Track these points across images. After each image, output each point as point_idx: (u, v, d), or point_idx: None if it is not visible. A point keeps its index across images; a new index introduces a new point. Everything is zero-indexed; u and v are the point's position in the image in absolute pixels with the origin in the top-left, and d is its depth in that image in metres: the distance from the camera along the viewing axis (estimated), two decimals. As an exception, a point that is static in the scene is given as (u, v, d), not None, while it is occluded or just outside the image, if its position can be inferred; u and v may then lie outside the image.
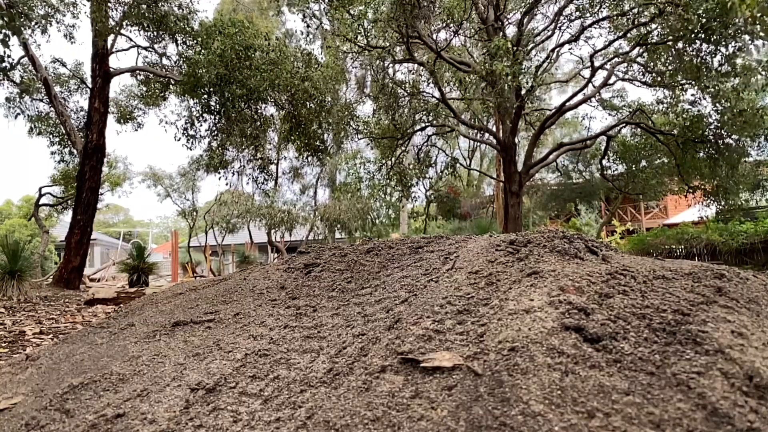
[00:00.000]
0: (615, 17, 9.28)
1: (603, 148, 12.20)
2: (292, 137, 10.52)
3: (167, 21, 8.84)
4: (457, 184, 22.98)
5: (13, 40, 7.43)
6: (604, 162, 12.34)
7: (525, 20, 9.66)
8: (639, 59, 10.16)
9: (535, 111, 13.49)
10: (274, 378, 0.96)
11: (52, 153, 12.44)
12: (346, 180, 20.65)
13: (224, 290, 1.79)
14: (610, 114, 12.17)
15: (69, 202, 13.96)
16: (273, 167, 13.87)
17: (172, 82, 10.45)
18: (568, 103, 10.48)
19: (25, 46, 8.63)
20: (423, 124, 12.20)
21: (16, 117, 11.38)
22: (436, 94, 11.24)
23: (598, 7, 9.27)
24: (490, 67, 7.68)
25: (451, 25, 10.54)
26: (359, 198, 17.51)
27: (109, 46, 9.30)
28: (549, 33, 11.04)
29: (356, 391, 0.79)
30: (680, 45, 8.35)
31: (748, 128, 8.78)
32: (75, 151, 10.48)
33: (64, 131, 10.65)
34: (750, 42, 7.58)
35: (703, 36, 7.52)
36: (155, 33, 9.52)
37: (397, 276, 1.40)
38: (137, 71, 10.67)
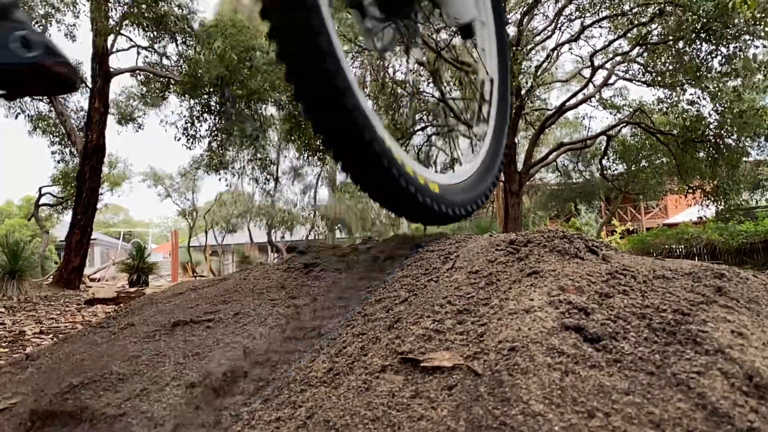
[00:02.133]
0: (615, 17, 9.28)
1: (603, 147, 12.21)
2: (293, 137, 10.52)
3: (167, 21, 8.84)
4: (457, 184, 22.93)
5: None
6: (604, 162, 12.35)
7: (525, 20, 9.66)
8: (639, 59, 10.16)
9: (535, 111, 13.50)
10: (273, 377, 0.96)
11: (53, 153, 12.45)
12: (347, 180, 20.65)
13: (224, 290, 1.79)
14: (610, 113, 12.20)
15: (69, 202, 13.96)
16: (273, 167, 13.87)
17: (172, 82, 10.45)
18: (568, 103, 10.47)
19: (25, 46, 8.61)
20: (423, 124, 12.21)
21: (16, 117, 11.39)
22: (436, 94, 11.24)
23: (597, 7, 9.27)
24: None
25: (451, 24, 10.52)
26: (360, 198, 17.51)
27: (109, 46, 9.29)
28: (549, 33, 11.04)
29: (356, 390, 0.79)
30: (680, 45, 8.36)
31: (748, 128, 8.79)
32: (75, 151, 10.49)
33: (64, 131, 10.64)
34: (750, 42, 7.58)
35: (703, 36, 7.52)
36: (155, 33, 9.52)
37: (397, 275, 1.40)
38: (137, 71, 10.67)
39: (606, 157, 12.27)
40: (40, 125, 11.78)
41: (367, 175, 0.93)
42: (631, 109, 11.23)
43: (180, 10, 9.15)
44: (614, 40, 9.93)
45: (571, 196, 20.82)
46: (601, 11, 9.37)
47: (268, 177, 12.04)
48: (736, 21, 7.06)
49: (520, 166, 10.62)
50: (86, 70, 11.26)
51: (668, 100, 10.13)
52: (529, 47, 10.02)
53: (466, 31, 1.27)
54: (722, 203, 10.71)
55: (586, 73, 11.23)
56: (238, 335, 1.28)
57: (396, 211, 1.03)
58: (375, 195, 1.01)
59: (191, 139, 10.19)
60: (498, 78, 1.35)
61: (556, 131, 21.62)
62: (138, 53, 10.49)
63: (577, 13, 9.78)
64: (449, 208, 1.02)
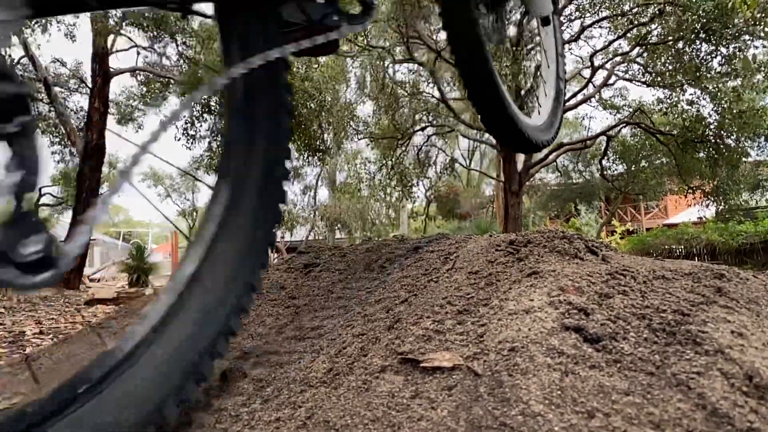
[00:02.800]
0: (614, 17, 9.28)
1: (603, 148, 12.21)
2: (293, 137, 10.51)
3: (167, 21, 8.84)
4: (457, 184, 22.98)
5: (13, 39, 7.43)
6: (604, 162, 12.35)
7: (525, 20, 9.66)
8: (639, 59, 10.16)
9: (535, 111, 13.47)
10: (273, 378, 0.96)
11: (53, 153, 12.44)
12: (347, 180, 20.65)
13: (224, 290, 1.79)
14: (610, 113, 12.20)
15: (69, 202, 13.96)
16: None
17: (172, 82, 10.45)
18: (568, 103, 10.48)
19: (25, 45, 8.63)
20: (423, 124, 12.21)
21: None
22: (436, 94, 11.24)
23: (597, 7, 9.27)
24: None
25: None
26: (359, 198, 17.50)
27: (109, 46, 9.30)
28: (549, 33, 11.03)
29: (356, 391, 0.79)
30: (680, 45, 8.36)
31: (748, 128, 8.78)
32: (75, 151, 10.48)
33: (64, 131, 10.64)
34: (750, 42, 7.59)
35: (703, 36, 7.52)
36: (155, 33, 9.52)
37: (396, 276, 1.40)
38: (137, 71, 10.68)
39: (606, 158, 12.27)
40: (40, 125, 11.78)
41: (503, 126, 1.42)
42: (630, 110, 11.23)
43: (180, 11, 9.13)
44: (614, 41, 9.94)
45: (571, 197, 20.84)
46: (601, 11, 9.37)
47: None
48: (736, 21, 7.06)
49: (520, 166, 10.62)
50: (86, 70, 11.28)
51: (668, 101, 10.12)
52: (529, 47, 10.03)
53: (545, 20, 1.80)
54: (722, 203, 10.71)
55: (586, 73, 11.24)
56: (238, 335, 1.28)
57: (511, 145, 1.59)
58: (503, 138, 1.54)
59: (191, 139, 10.19)
60: (556, 51, 1.92)
61: (556, 131, 21.59)
62: (138, 53, 10.50)
63: (577, 13, 9.78)
64: (537, 141, 1.56)
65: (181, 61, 9.79)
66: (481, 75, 1.29)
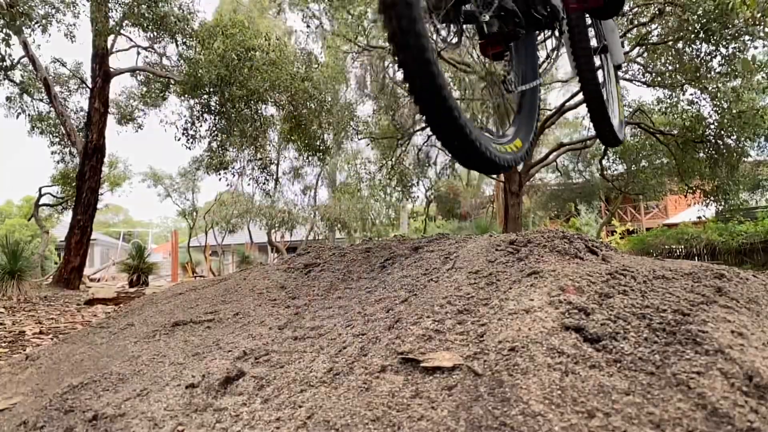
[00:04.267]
0: (614, 17, 9.26)
1: (603, 148, 12.19)
2: (293, 137, 10.51)
3: (167, 21, 8.83)
4: (457, 184, 22.98)
5: (13, 40, 7.42)
6: (603, 162, 12.34)
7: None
8: (639, 59, 10.16)
9: (535, 111, 13.46)
10: (273, 378, 0.96)
11: (53, 153, 12.43)
12: (347, 180, 20.63)
13: (224, 290, 1.79)
14: (610, 114, 12.14)
15: (69, 202, 13.93)
16: (273, 167, 13.83)
17: (172, 82, 10.44)
18: (568, 103, 10.47)
19: (25, 45, 8.63)
20: (423, 124, 12.20)
21: (17, 117, 11.36)
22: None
23: (598, 7, 9.26)
24: (490, 68, 7.68)
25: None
26: (359, 198, 17.49)
27: (109, 46, 9.29)
28: (549, 33, 11.02)
29: (356, 390, 0.79)
30: (680, 45, 8.36)
31: (748, 128, 8.78)
32: (75, 151, 10.47)
33: (64, 131, 10.63)
34: (750, 42, 7.58)
35: (703, 36, 7.51)
36: (155, 33, 9.51)
37: (397, 276, 1.40)
38: (137, 71, 10.67)
39: (606, 158, 12.28)
40: (39, 125, 11.75)
41: (596, 104, 2.06)
42: (630, 110, 11.22)
43: (180, 11, 9.13)
44: (614, 41, 9.92)
45: (571, 197, 20.84)
46: (601, 11, 9.35)
47: (268, 177, 12.03)
48: (736, 21, 7.05)
49: (520, 166, 10.62)
50: (86, 71, 11.26)
51: (668, 101, 10.11)
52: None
53: (618, 67, 2.48)
54: (722, 203, 10.70)
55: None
56: (238, 335, 1.28)
57: (607, 141, 2.31)
58: (604, 134, 2.21)
59: (191, 139, 10.18)
60: (617, 84, 2.69)
61: (556, 131, 21.60)
62: (138, 53, 10.48)
63: (577, 13, 9.77)
64: (620, 138, 2.27)
65: (181, 61, 9.76)
66: (597, 95, 2.01)
